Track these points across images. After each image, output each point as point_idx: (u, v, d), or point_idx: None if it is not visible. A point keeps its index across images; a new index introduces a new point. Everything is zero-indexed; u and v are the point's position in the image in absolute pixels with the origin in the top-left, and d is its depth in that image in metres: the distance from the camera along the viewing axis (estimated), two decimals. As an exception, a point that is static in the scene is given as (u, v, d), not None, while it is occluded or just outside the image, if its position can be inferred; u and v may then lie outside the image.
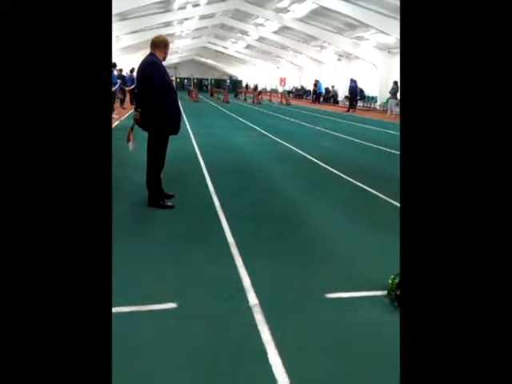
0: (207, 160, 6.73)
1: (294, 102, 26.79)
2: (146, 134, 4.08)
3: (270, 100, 28.10)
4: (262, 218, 3.98)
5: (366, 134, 11.39)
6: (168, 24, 24.95)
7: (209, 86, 35.53)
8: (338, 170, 6.25)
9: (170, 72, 32.43)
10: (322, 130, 12.13)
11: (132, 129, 4.30)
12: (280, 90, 34.03)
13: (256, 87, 29.14)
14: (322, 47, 27.43)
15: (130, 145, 4.39)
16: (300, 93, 33.23)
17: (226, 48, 38.72)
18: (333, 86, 27.71)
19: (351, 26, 20.88)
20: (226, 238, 3.38)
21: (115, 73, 14.18)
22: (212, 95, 30.65)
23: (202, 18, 26.22)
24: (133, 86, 14.45)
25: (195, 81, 29.24)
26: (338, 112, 20.22)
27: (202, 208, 4.21)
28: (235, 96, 29.91)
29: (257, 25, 27.14)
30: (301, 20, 22.48)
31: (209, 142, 8.75)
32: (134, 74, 15.46)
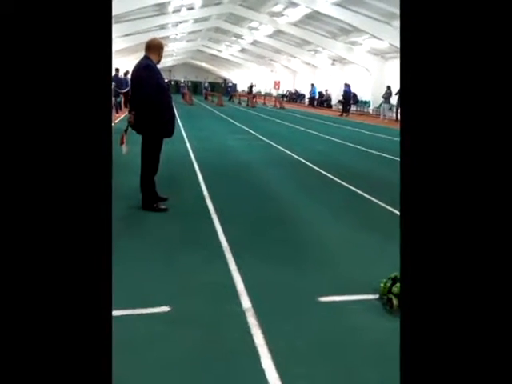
0: (201, 163, 6.73)
1: (287, 105, 26.88)
2: (140, 137, 4.08)
3: (264, 103, 28.16)
4: (255, 221, 3.99)
5: (359, 138, 11.46)
6: (163, 27, 24.96)
7: (208, 88, 34.08)
8: (331, 174, 6.28)
9: (165, 75, 32.39)
10: (316, 133, 12.18)
11: (126, 132, 4.29)
12: (274, 93, 34.13)
13: (250, 90, 29.21)
14: (315, 51, 27.58)
15: (123, 148, 4.38)
16: (294, 96, 33.36)
17: (220, 51, 38.79)
18: (326, 90, 27.86)
19: (345, 30, 21.04)
20: (219, 242, 3.38)
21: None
22: (206, 98, 30.66)
23: (197, 21, 26.26)
24: (127, 89, 14.39)
25: (189, 84, 28.99)
26: (332, 116, 20.32)
27: (196, 211, 4.21)
28: (229, 99, 29.94)
29: (251, 28, 27.24)
30: (295, 24, 22.61)
31: (203, 146, 8.75)
32: (129, 76, 15.42)
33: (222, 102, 24.46)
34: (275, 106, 25.97)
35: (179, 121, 12.99)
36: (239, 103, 27.23)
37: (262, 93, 37.55)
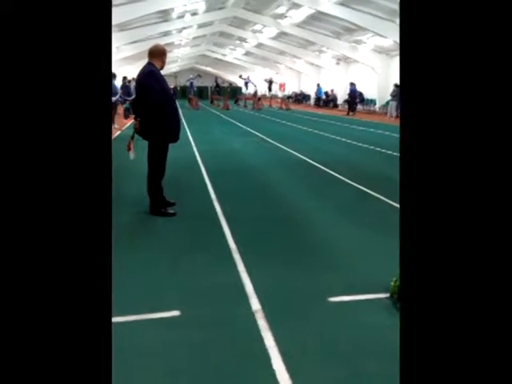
0: (208, 166, 6.75)
1: (293, 106, 26.85)
2: (146, 143, 4.11)
3: (270, 105, 28.17)
4: (263, 222, 3.99)
5: (366, 136, 11.40)
6: (167, 33, 25.12)
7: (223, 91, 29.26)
8: (339, 174, 6.25)
9: (170, 81, 32.54)
10: (322, 133, 12.14)
11: (132, 138, 4.32)
12: (280, 95, 34.12)
13: (255, 93, 29.22)
14: (320, 52, 27.53)
15: (131, 154, 4.42)
16: (299, 98, 33.31)
17: (224, 55, 38.93)
18: (332, 90, 27.77)
19: (349, 29, 20.97)
20: (227, 244, 3.39)
21: (116, 83, 14.25)
22: (212, 102, 30.77)
23: (201, 26, 26.40)
24: (133, 97, 14.49)
25: (195, 88, 28.72)
26: (338, 115, 20.25)
27: (204, 214, 4.22)
28: (235, 102, 30.00)
29: (255, 31, 27.30)
30: (298, 25, 22.60)
31: (209, 149, 8.78)
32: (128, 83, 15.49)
33: (228, 105, 24.52)
34: (281, 107, 25.95)
35: (186, 125, 13.05)
36: (245, 106, 27.27)
37: (268, 95, 37.55)
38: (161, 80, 3.95)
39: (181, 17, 22.28)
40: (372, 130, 13.56)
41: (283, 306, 2.44)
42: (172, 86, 25.33)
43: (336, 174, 6.26)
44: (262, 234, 3.67)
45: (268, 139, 10.61)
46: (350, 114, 20.53)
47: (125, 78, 15.31)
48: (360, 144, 9.82)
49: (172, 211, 4.17)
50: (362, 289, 2.63)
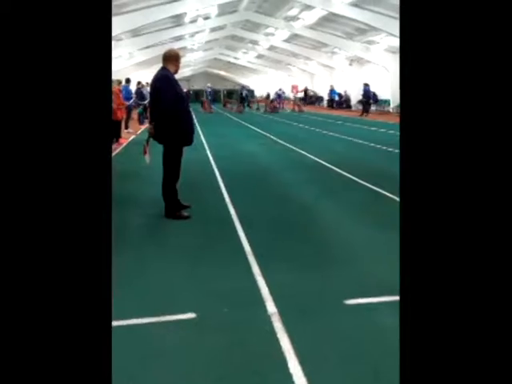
0: (222, 169, 6.77)
1: (306, 108, 26.78)
2: (161, 147, 4.14)
3: (283, 108, 28.14)
4: (277, 225, 3.98)
5: (379, 137, 11.30)
6: (180, 38, 25.35)
7: (247, 97, 26.25)
8: (352, 175, 6.21)
9: (183, 85, 32.76)
10: (336, 135, 12.08)
11: (148, 142, 4.37)
12: (292, 97, 34.10)
13: (268, 96, 29.22)
14: (332, 53, 27.43)
15: (147, 158, 4.47)
16: (312, 99, 33.21)
17: (237, 59, 39.09)
18: (345, 91, 27.62)
19: (361, 30, 20.85)
20: (242, 247, 3.39)
21: (131, 88, 14.43)
22: (225, 106, 30.91)
23: (213, 30, 26.57)
24: (146, 101, 14.64)
25: (210, 96, 28.67)
26: (352, 116, 20.13)
27: (218, 217, 4.23)
28: (247, 105, 30.10)
29: (267, 34, 27.34)
30: (311, 27, 22.56)
31: (223, 152, 8.81)
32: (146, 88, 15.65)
33: (240, 108, 24.60)
34: (294, 109, 25.91)
35: (199, 128, 13.13)
36: (257, 109, 27.31)
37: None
38: (175, 84, 3.99)
39: (193, 21, 22.45)
40: (384, 130, 13.43)
41: (299, 308, 2.43)
42: (185, 90, 25.47)
43: (350, 175, 6.21)
44: (276, 237, 3.66)
45: (280, 141, 10.61)
46: (364, 114, 20.40)
47: (139, 82, 15.47)
48: (371, 144, 9.74)
49: (186, 214, 4.19)
50: (378, 291, 2.60)
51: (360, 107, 22.18)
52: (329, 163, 7.26)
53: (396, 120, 17.54)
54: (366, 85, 20.97)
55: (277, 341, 2.10)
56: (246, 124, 16.33)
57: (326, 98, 30.04)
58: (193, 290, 2.68)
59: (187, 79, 45.08)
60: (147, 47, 23.55)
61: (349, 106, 26.80)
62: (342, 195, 5.22)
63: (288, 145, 9.92)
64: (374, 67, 24.21)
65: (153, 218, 4.19)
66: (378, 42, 21.85)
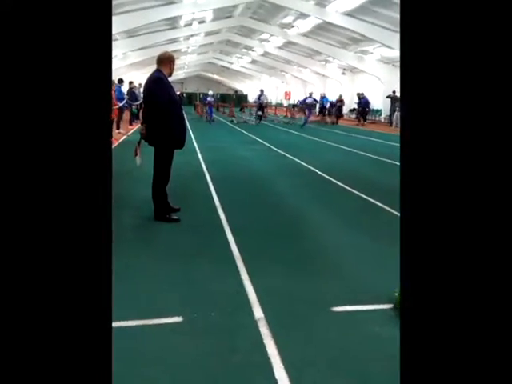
0: (213, 174, 6.77)
1: (298, 115, 26.91)
2: (152, 149, 4.13)
3: (275, 114, 28.26)
4: (267, 231, 3.98)
5: (369, 146, 11.40)
6: (174, 40, 25.37)
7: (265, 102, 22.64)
8: (342, 183, 6.25)
9: (177, 87, 32.69)
10: (327, 143, 12.16)
11: (139, 143, 4.35)
12: (285, 103, 34.26)
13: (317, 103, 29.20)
14: (326, 61, 27.68)
15: (137, 159, 4.44)
16: (303, 107, 33.37)
17: (231, 63, 39.21)
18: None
19: (355, 40, 21.09)
20: (231, 251, 3.38)
21: (123, 88, 14.34)
22: (218, 109, 30.94)
23: (208, 34, 26.64)
24: (139, 102, 14.58)
25: (201, 96, 28.55)
26: (345, 125, 20.28)
27: (208, 221, 4.22)
28: (240, 110, 30.14)
29: (261, 40, 27.51)
30: (305, 35, 22.76)
31: (214, 156, 8.80)
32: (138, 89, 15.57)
33: (233, 113, 24.64)
34: (286, 116, 26.01)
35: (191, 132, 13.10)
36: (250, 114, 27.36)
37: (273, 103, 37.73)
38: (168, 87, 3.98)
39: (188, 24, 22.50)
40: (373, 139, 13.56)
41: (286, 314, 2.43)
42: (178, 93, 25.34)
43: (338, 182, 6.25)
44: (265, 242, 3.66)
45: (272, 147, 10.64)
46: (361, 123, 20.75)
47: (131, 82, 15.36)
48: (361, 153, 9.82)
49: (176, 217, 4.17)
50: (365, 299, 2.62)
51: (352, 116, 22.36)
52: (320, 171, 7.29)
53: (387, 130, 17.72)
54: (363, 95, 21.25)
55: (263, 346, 2.09)
56: (239, 129, 16.35)
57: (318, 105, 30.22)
58: (180, 293, 2.66)
59: (181, 82, 45.07)
60: (142, 48, 23.51)
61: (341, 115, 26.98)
62: (333, 203, 5.24)
63: (280, 151, 9.95)
64: (366, 77, 24.47)
65: (142, 220, 4.16)
66: (372, 52, 22.12)
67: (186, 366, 1.94)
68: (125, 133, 12.43)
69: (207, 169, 7.25)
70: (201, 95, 27.02)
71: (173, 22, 21.53)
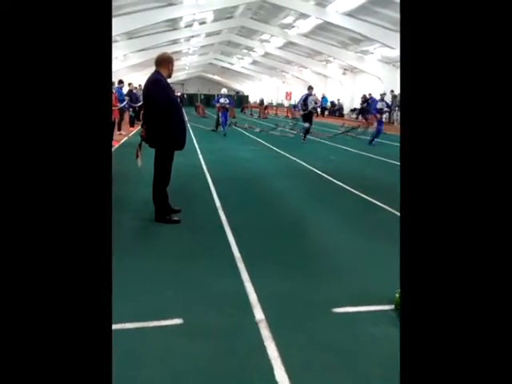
0: (213, 174, 6.76)
1: (299, 115, 26.93)
2: (153, 151, 4.13)
3: (276, 114, 28.28)
4: (268, 231, 3.97)
5: (371, 147, 11.39)
6: (175, 42, 25.43)
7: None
8: (343, 183, 6.24)
9: (177, 88, 32.70)
10: (326, 142, 12.15)
11: (140, 146, 4.35)
12: (286, 104, 34.27)
13: (262, 102, 29.36)
14: (326, 61, 27.71)
15: (139, 161, 4.44)
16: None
17: (232, 64, 39.28)
18: (338, 100, 27.87)
19: (356, 40, 21.10)
20: (232, 252, 3.37)
21: (123, 90, 14.35)
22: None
23: (209, 35, 26.69)
24: (139, 104, 14.59)
25: (202, 97, 28.57)
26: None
27: (209, 222, 4.22)
28: (241, 111, 30.18)
29: (262, 41, 27.55)
30: (305, 35, 22.78)
31: (215, 157, 8.80)
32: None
33: (234, 113, 24.67)
34: (287, 116, 26.02)
35: (191, 133, 13.11)
36: (251, 114, 27.39)
37: (274, 104, 37.77)
38: (167, 88, 3.97)
39: (189, 25, 22.54)
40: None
41: (287, 316, 2.42)
42: (179, 94, 25.38)
43: (339, 182, 6.24)
44: (266, 243, 3.66)
45: (273, 147, 10.63)
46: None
47: (130, 84, 15.36)
48: (360, 152, 9.81)
49: (177, 218, 4.17)
50: (366, 300, 2.61)
51: (353, 116, 22.35)
52: (320, 171, 7.28)
53: (387, 129, 17.70)
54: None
55: (264, 348, 2.09)
56: (239, 129, 16.34)
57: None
58: (180, 295, 2.66)
59: (181, 83, 45.14)
60: (142, 50, 23.56)
61: (342, 115, 27.02)
62: (334, 204, 5.24)
63: (280, 151, 9.94)
64: (367, 77, 24.48)
65: (142, 221, 4.16)
66: (372, 52, 22.13)
67: (186, 369, 1.94)
68: (126, 134, 12.44)
69: (208, 169, 7.23)
70: (201, 96, 27.06)
71: (173, 23, 21.57)
